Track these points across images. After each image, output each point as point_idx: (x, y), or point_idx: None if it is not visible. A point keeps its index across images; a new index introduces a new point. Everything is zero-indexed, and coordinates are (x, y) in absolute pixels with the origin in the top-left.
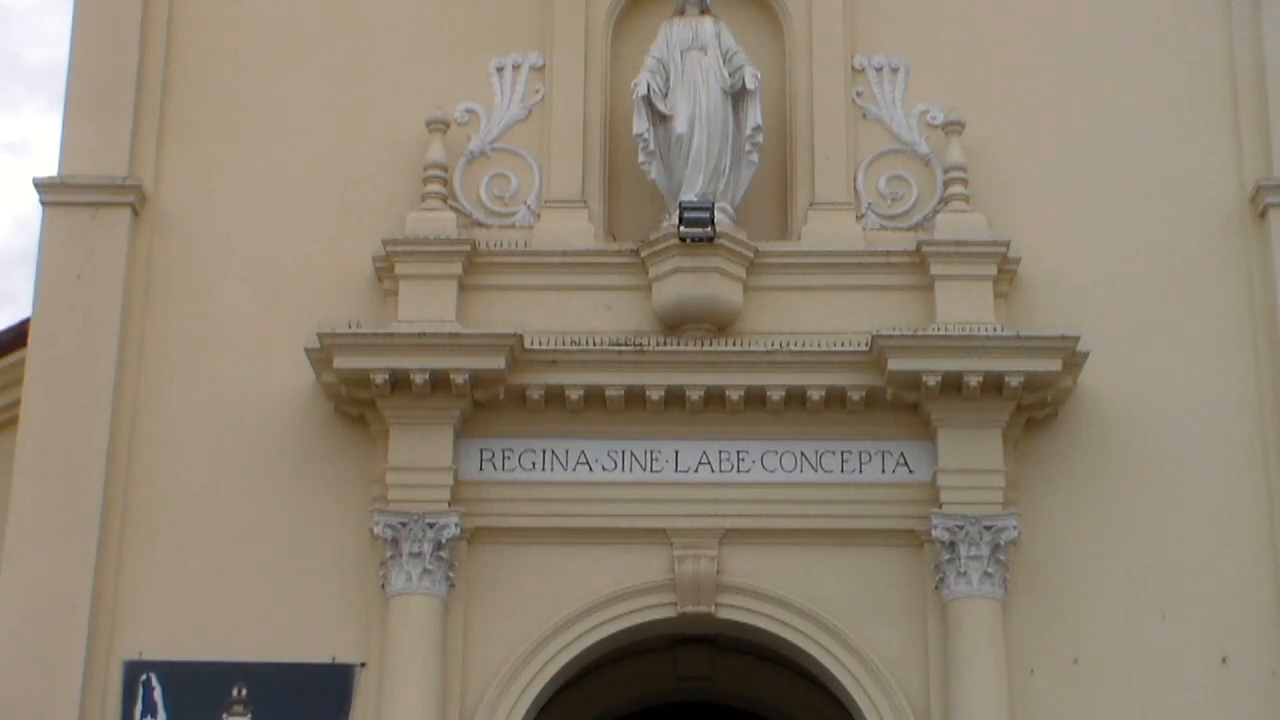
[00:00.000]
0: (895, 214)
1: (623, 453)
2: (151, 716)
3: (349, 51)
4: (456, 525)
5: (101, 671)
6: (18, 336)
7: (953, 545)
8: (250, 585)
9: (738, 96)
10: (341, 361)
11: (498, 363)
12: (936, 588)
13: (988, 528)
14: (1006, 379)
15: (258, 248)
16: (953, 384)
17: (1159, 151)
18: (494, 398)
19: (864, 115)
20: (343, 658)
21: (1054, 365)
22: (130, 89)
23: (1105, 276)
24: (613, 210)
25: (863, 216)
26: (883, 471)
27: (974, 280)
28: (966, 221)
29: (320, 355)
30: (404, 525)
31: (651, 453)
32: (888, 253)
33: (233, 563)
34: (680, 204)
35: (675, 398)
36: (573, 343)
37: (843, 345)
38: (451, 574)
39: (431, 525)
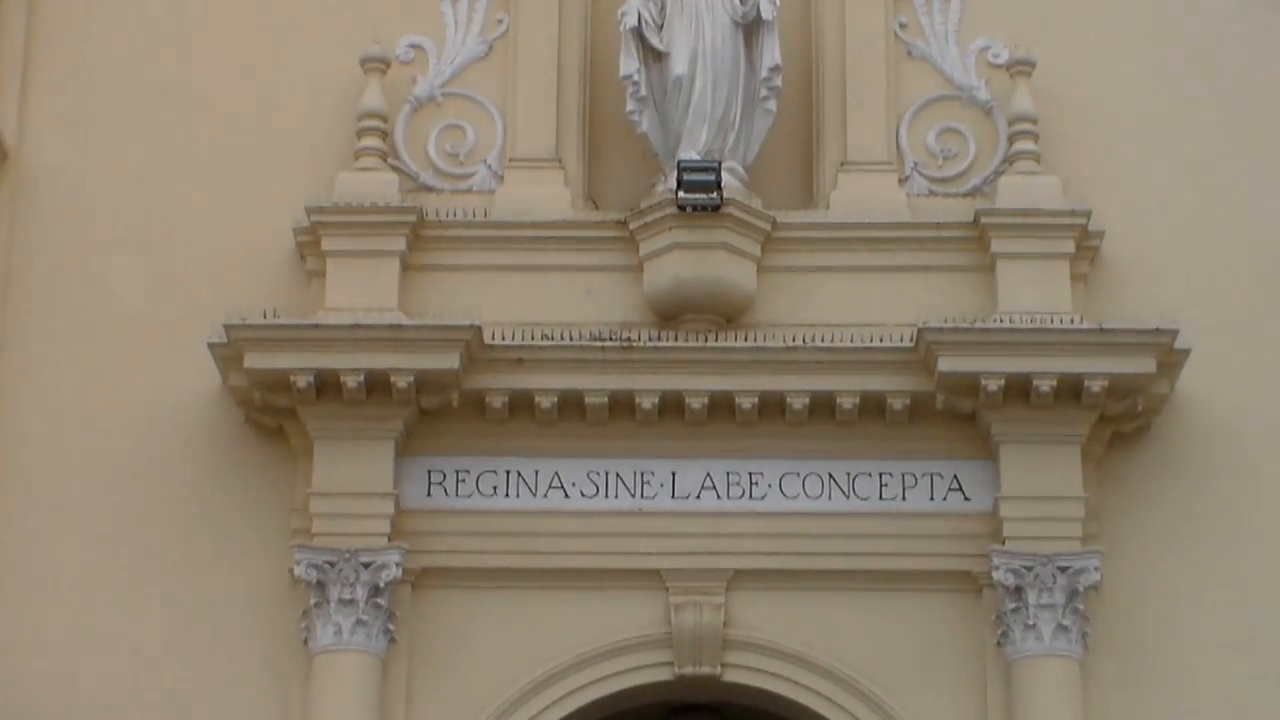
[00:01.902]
0: (947, 176)
1: (606, 475)
2: None
3: None
4: (398, 565)
5: None
6: None
7: (1019, 591)
8: (136, 643)
9: (751, 29)
10: (254, 360)
11: (450, 361)
12: (999, 644)
13: (1063, 569)
14: (1086, 383)
15: (149, 217)
16: (1019, 389)
17: (1274, 104)
18: (445, 405)
19: (908, 53)
20: None
21: (1146, 366)
22: None
23: (1209, 256)
24: (594, 172)
25: (906, 180)
26: (931, 499)
27: (1046, 259)
28: (1037, 186)
29: (227, 352)
30: (332, 565)
31: (642, 475)
32: (938, 225)
33: (113, 615)
34: (679, 163)
35: (672, 406)
36: (544, 336)
37: (881, 341)
38: (391, 626)
39: (367, 565)
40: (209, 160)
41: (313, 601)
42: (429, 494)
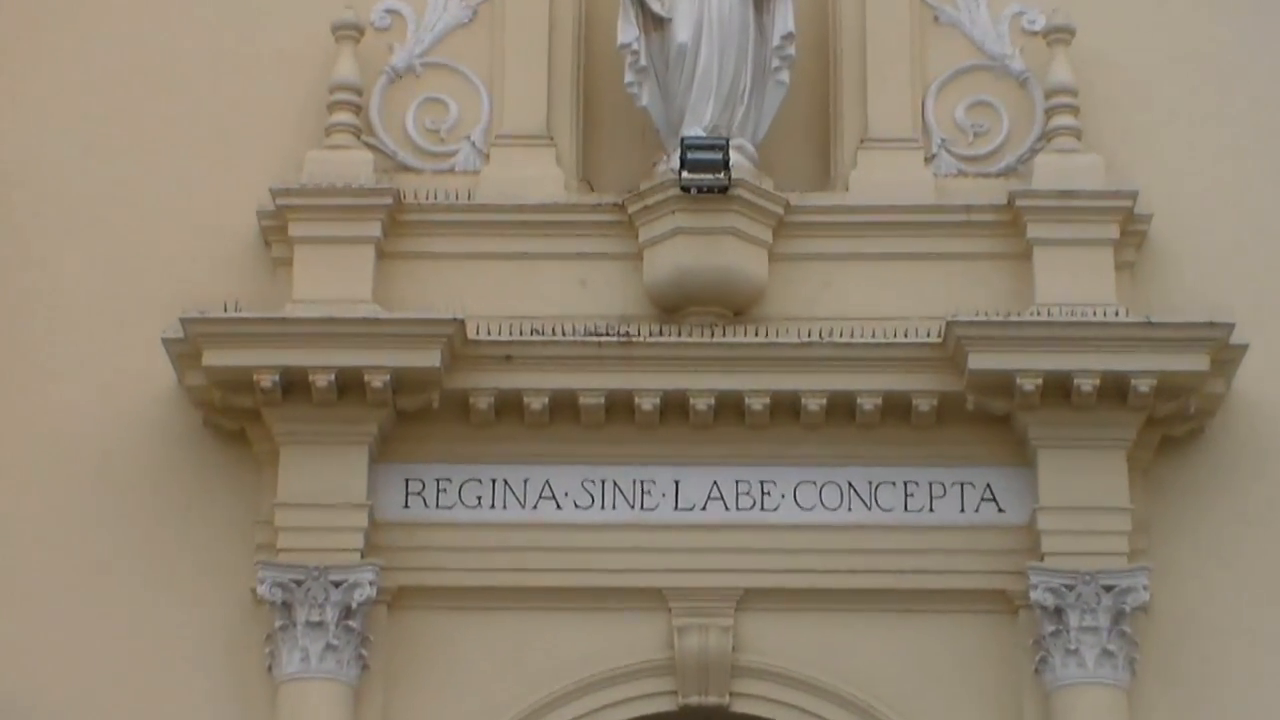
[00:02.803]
0: (978, 154)
1: (603, 483)
2: None
3: None
4: (372, 584)
5: None
6: None
7: (1059, 613)
8: (83, 669)
9: None
10: (214, 357)
11: (430, 359)
12: (1037, 671)
13: (1108, 588)
14: (1133, 382)
15: (100, 200)
16: (1059, 389)
17: None
18: (425, 407)
19: (935, 18)
20: None
21: (1198, 363)
22: None
23: (1268, 242)
24: (589, 150)
25: (933, 158)
26: (961, 510)
27: (1087, 246)
28: (1077, 165)
29: (184, 348)
30: (299, 584)
31: (642, 484)
32: (968, 208)
33: (57, 638)
34: (682, 141)
35: (675, 408)
36: (534, 331)
37: (906, 336)
38: (365, 651)
39: (337, 584)
40: (165, 138)
41: (278, 624)
42: (406, 505)
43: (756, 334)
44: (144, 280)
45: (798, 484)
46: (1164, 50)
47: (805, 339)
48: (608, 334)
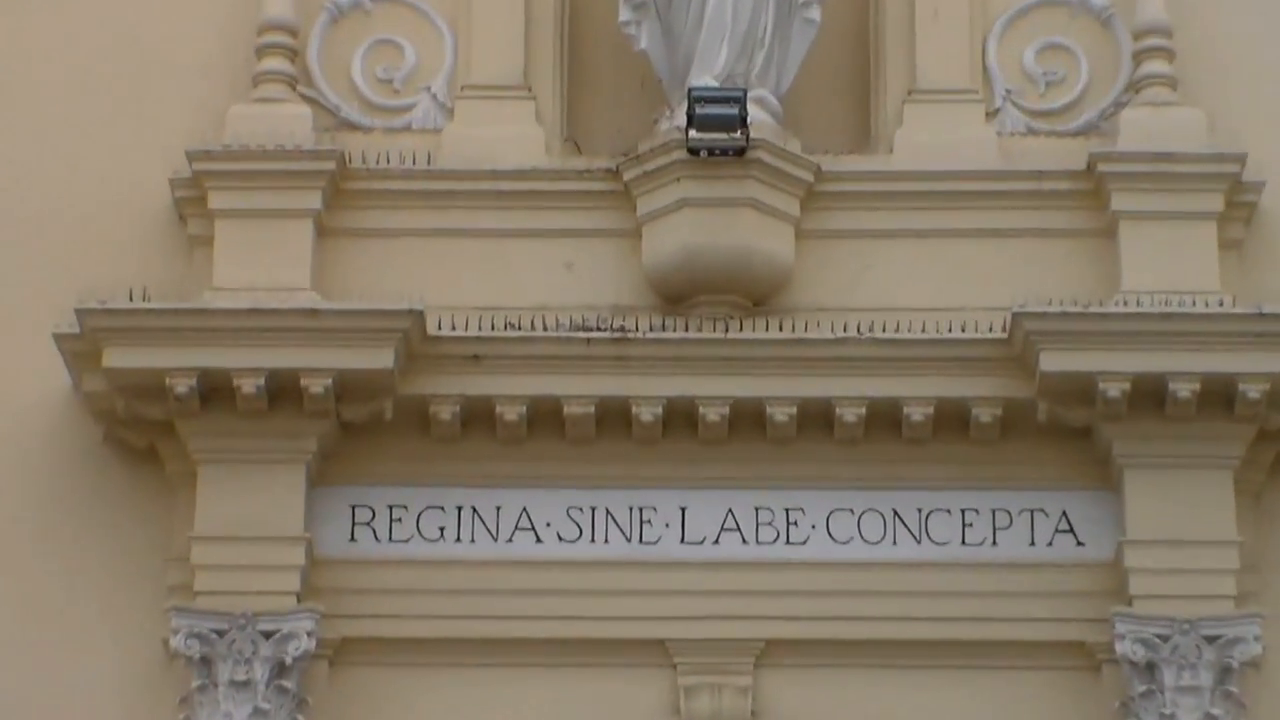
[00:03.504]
0: (1051, 109)
1: (593, 511)
2: None
3: None
4: (310, 635)
5: None
6: None
7: (1151, 668)
8: None
9: None
10: (117, 357)
11: (382, 359)
12: None
13: (1210, 639)
14: (1241, 387)
15: None
16: (1150, 396)
17: None
18: (376, 418)
19: None
20: None
21: None
22: None
23: None
24: (576, 104)
25: (997, 113)
26: (1030, 543)
27: (1185, 221)
28: (1172, 122)
29: (81, 346)
30: (221, 635)
31: (641, 511)
32: (1038, 173)
33: None
34: (690, 92)
35: (681, 419)
36: (509, 325)
37: (964, 331)
38: (302, 717)
39: (268, 635)
40: (61, 93)
41: (195, 684)
42: (353, 538)
43: (780, 329)
44: (31, 264)
45: (831, 512)
46: None
47: (840, 334)
48: (599, 329)
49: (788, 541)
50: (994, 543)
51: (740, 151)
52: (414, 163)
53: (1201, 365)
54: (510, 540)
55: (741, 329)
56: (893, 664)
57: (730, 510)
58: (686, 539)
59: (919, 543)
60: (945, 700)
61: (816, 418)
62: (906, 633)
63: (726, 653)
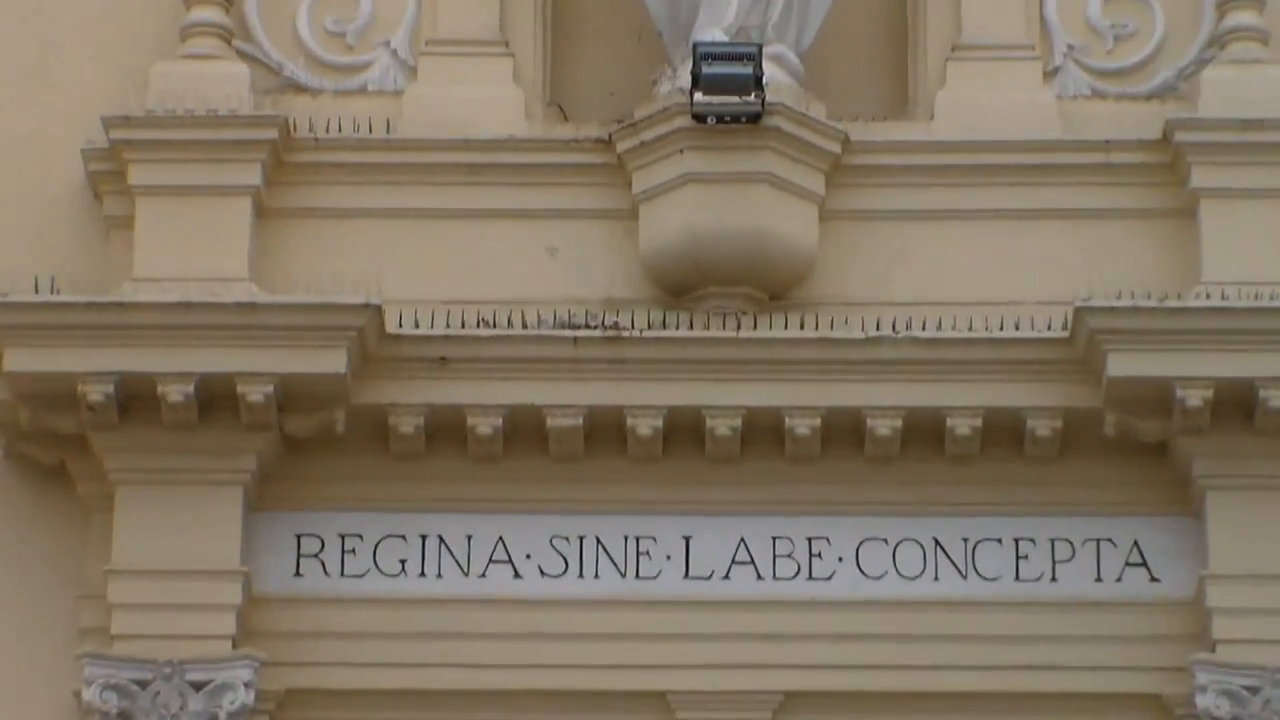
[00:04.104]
0: (1121, 68)
1: (581, 541)
2: None
3: None
4: (248, 687)
5: None
6: None
7: None
8: None
9: None
10: (20, 359)
11: (333, 362)
12: None
13: None
14: None
15: None
16: (1237, 405)
17: None
18: (325, 432)
19: None
20: None
21: None
22: None
23: None
24: (561, 63)
25: (1056, 73)
26: (1097, 579)
27: (1278, 199)
28: (1262, 82)
29: None
30: (143, 686)
31: (638, 541)
32: (1106, 144)
33: None
34: (695, 48)
35: (685, 433)
36: (482, 322)
37: (1016, 328)
38: None
39: (199, 686)
40: None
41: None
42: (299, 572)
43: (802, 326)
44: None
45: (861, 542)
46: None
47: (871, 333)
48: (588, 326)
49: (810, 577)
50: (1053, 578)
51: (754, 118)
52: (370, 131)
53: None
54: (484, 575)
55: (756, 327)
56: (935, 717)
57: (743, 540)
58: (691, 574)
59: (964, 578)
60: None
61: (844, 431)
62: (949, 684)
63: (738, 707)
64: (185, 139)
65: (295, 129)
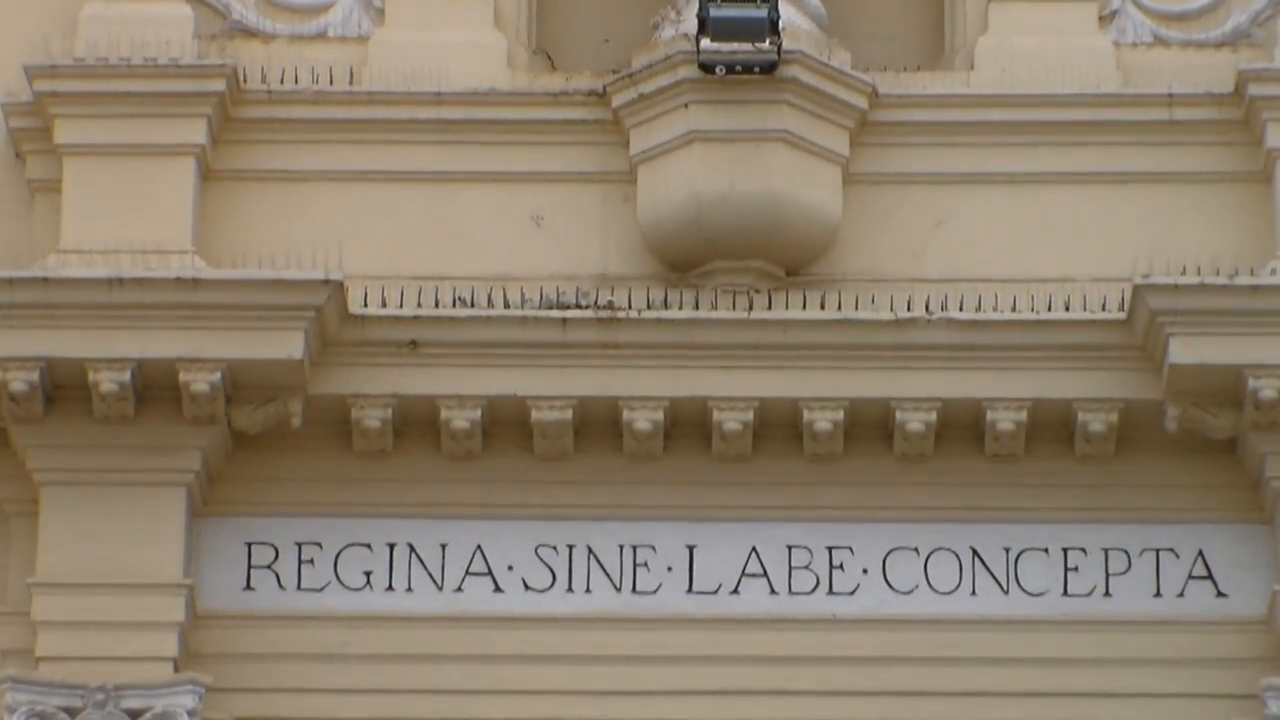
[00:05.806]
0: (1187, 11)
1: (570, 551)
2: None
3: None
4: (192, 715)
5: None
6: None
7: None
8: None
9: None
10: None
11: (288, 346)
12: None
13: None
14: None
15: None
16: None
17: None
18: (279, 426)
19: None
20: None
21: None
22: None
23: None
24: (547, 5)
25: (1114, 16)
26: (1156, 594)
27: None
28: None
29: None
30: (73, 714)
31: (635, 551)
32: (1169, 97)
33: None
34: None
35: (689, 427)
36: (459, 301)
37: (1067, 308)
38: None
39: (137, 715)
40: None
41: None
42: (249, 585)
43: (822, 306)
44: None
45: (889, 551)
46: None
47: (902, 314)
48: (579, 306)
49: (830, 590)
50: (1106, 592)
51: (770, 68)
52: (331, 82)
53: None
54: (460, 589)
55: (770, 307)
56: None
57: (754, 549)
58: (695, 587)
59: (1006, 592)
60: None
61: (871, 426)
62: (988, 714)
63: None
64: (119, 91)
65: (245, 80)
